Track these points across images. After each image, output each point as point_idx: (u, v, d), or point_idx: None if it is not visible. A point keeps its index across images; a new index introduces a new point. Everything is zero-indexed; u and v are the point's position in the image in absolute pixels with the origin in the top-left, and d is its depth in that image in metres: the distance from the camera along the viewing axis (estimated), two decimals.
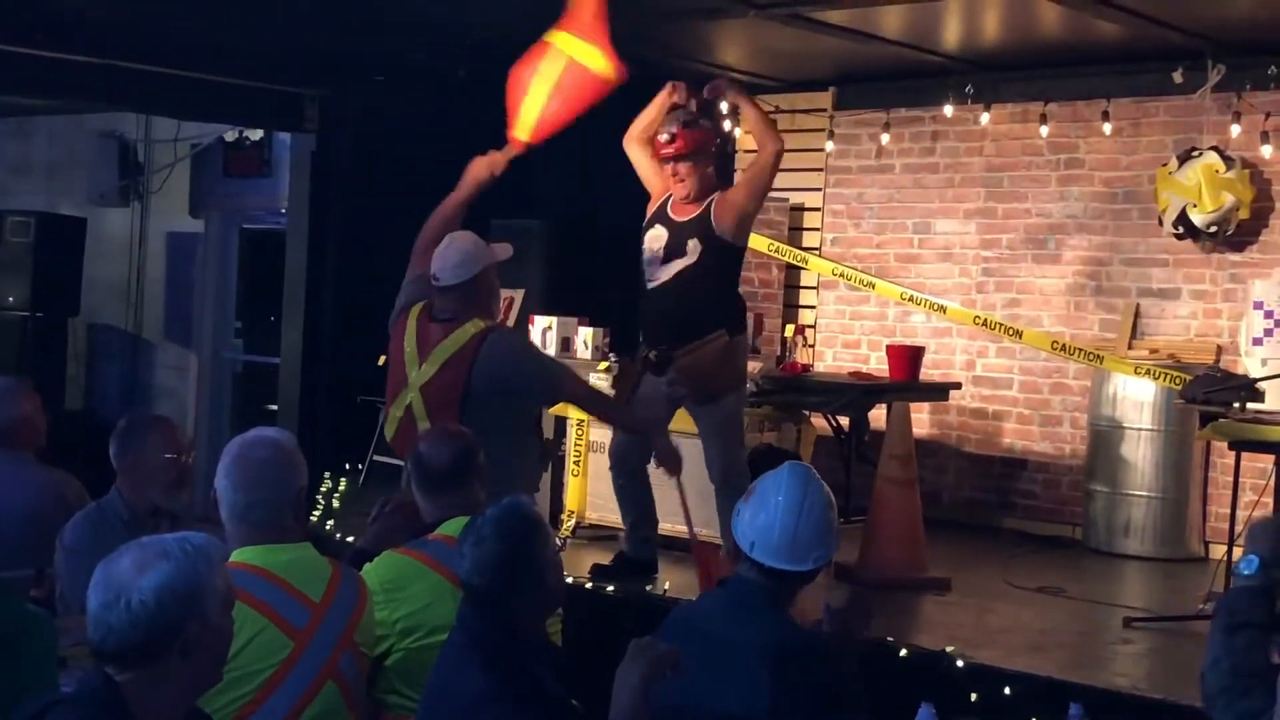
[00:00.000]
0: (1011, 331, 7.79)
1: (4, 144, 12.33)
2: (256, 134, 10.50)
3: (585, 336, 7.30)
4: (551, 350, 7.39)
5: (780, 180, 9.16)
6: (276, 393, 9.46)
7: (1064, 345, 7.64)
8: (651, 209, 6.20)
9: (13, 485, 4.86)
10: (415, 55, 8.24)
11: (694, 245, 5.95)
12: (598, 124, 6.57)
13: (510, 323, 7.99)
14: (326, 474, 7.57)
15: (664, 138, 6.03)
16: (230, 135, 10.65)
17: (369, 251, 8.76)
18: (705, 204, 6.00)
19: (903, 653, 5.25)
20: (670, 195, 6.12)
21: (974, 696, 5.06)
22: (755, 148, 6.12)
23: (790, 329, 8.73)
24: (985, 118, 8.31)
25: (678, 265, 6.01)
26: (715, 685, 3.24)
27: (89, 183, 11.41)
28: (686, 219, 6.01)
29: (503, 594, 2.95)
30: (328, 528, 6.84)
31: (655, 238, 6.10)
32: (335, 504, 7.41)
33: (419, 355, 4.98)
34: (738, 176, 9.11)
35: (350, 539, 5.87)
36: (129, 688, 2.43)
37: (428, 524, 3.90)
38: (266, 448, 3.53)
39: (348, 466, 7.77)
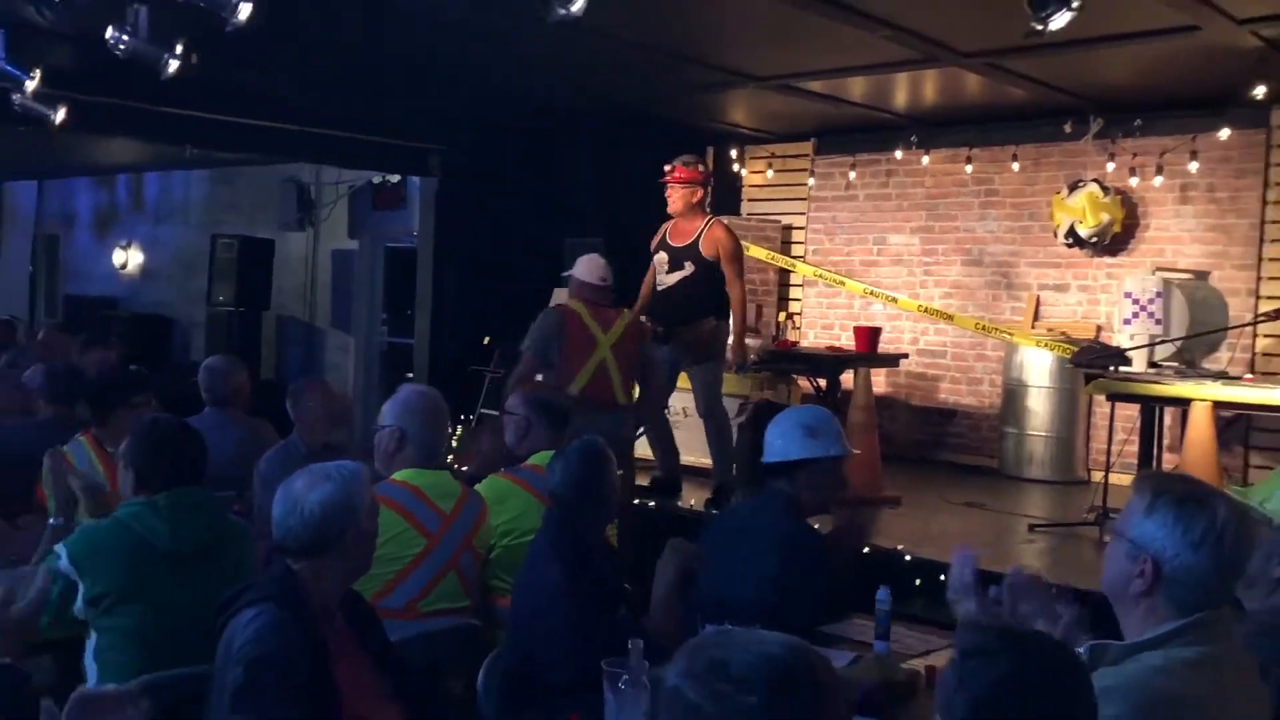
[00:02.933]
0: (945, 316, 7.74)
1: (217, 187, 12.44)
2: (395, 178, 10.53)
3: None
4: None
5: (774, 207, 9.19)
6: (411, 365, 9.51)
7: (984, 326, 7.57)
8: (656, 240, 6.34)
9: (225, 431, 4.91)
10: (510, 118, 8.25)
11: (689, 264, 6.09)
12: (644, 168, 6.58)
13: None
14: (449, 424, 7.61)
15: (667, 168, 6.08)
16: (377, 178, 10.69)
17: (475, 263, 8.83)
18: (696, 236, 6.09)
19: (865, 550, 5.24)
20: (666, 229, 6.25)
21: (918, 582, 5.05)
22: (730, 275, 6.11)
23: (782, 315, 8.69)
24: (926, 159, 8.24)
25: (679, 275, 6.16)
26: (739, 573, 3.21)
27: (276, 214, 11.49)
28: (681, 245, 6.14)
29: (576, 505, 2.96)
30: (448, 460, 6.87)
31: (661, 260, 6.26)
32: (454, 444, 7.44)
33: (602, 328, 5.41)
34: (741, 220, 9.13)
35: (464, 469, 5.91)
36: (302, 574, 2.46)
37: (522, 455, 3.92)
38: (434, 399, 3.57)
39: (461, 418, 7.79)
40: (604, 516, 3.08)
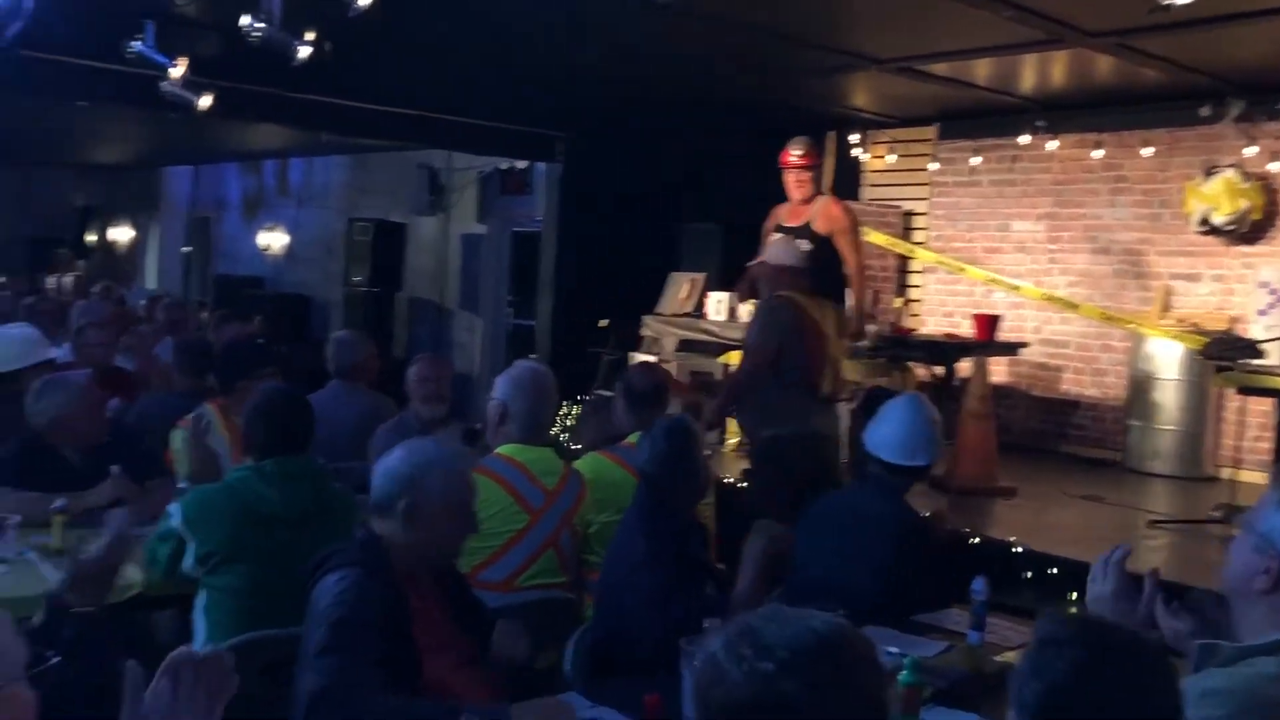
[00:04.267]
0: (1070, 305, 7.43)
1: (355, 172, 12.77)
2: (522, 164, 10.63)
3: (745, 308, 7.19)
4: (721, 316, 7.32)
5: (895, 193, 8.95)
6: (534, 345, 9.61)
7: (1110, 315, 7.25)
8: (770, 222, 6.07)
9: (349, 404, 5.03)
10: (630, 105, 8.23)
11: (804, 241, 5.79)
12: (761, 152, 6.48)
13: (694, 297, 7.96)
14: (565, 402, 7.66)
15: (798, 151, 5.87)
16: (504, 165, 10.81)
17: (597, 247, 8.86)
18: (810, 215, 5.83)
19: (975, 540, 5.07)
20: (780, 212, 5.98)
21: (1028, 575, 4.85)
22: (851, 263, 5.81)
23: (899, 302, 8.47)
24: (1053, 144, 7.89)
25: None
26: (847, 558, 3.13)
27: (409, 199, 11.74)
28: (796, 225, 5.89)
29: (665, 481, 2.92)
30: (563, 439, 6.91)
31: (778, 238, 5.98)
32: (569, 422, 7.48)
33: (821, 317, 4.99)
34: (862, 194, 8.94)
35: (577, 446, 5.93)
36: (387, 539, 2.47)
37: (623, 433, 3.91)
38: (545, 376, 3.58)
39: (578, 397, 7.83)
40: (692, 494, 3.04)
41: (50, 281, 11.28)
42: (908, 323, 8.23)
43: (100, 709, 1.58)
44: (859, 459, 4.06)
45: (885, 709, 1.32)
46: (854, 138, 8.82)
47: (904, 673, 2.20)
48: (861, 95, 8.02)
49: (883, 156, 8.90)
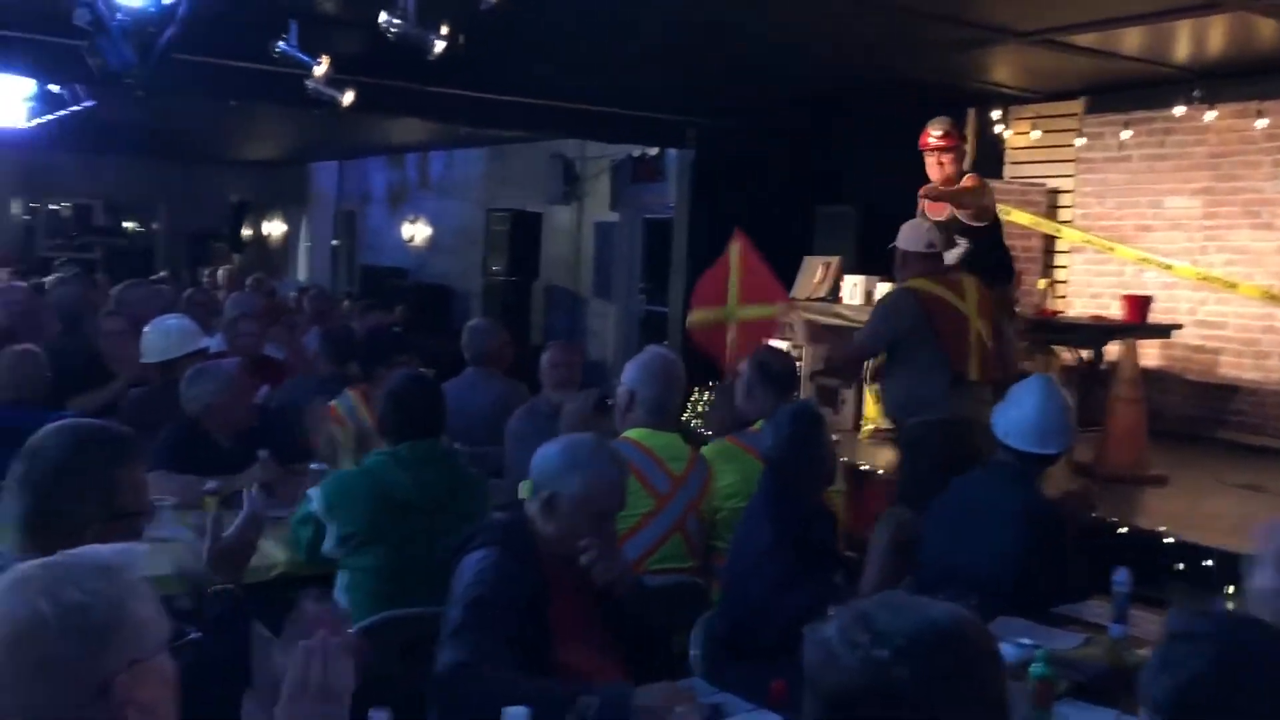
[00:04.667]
0: (1228, 284, 7.04)
1: (492, 164, 13.01)
2: (654, 151, 10.65)
3: (880, 289, 7.05)
4: (857, 300, 7.19)
5: (1039, 170, 8.62)
6: (666, 331, 9.63)
7: (1274, 295, 6.84)
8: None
9: (484, 390, 5.15)
10: (761, 89, 8.15)
11: (960, 238, 5.54)
12: (898, 132, 6.33)
13: (829, 281, 7.84)
14: (695, 387, 7.65)
15: (938, 132, 5.67)
16: (636, 152, 10.85)
17: (729, 232, 8.77)
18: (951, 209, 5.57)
19: (1123, 530, 4.86)
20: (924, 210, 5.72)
21: (1180, 567, 4.63)
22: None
23: (1043, 283, 8.16)
24: (1209, 116, 7.47)
25: (957, 252, 5.59)
26: (975, 545, 3.05)
27: (545, 189, 11.89)
28: (945, 219, 5.64)
29: (790, 467, 2.89)
30: (692, 424, 6.91)
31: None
32: (698, 408, 7.48)
33: (958, 296, 4.83)
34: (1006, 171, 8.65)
35: (706, 432, 5.93)
36: (533, 522, 2.51)
37: (752, 418, 3.88)
38: (673, 362, 3.60)
39: (709, 382, 7.81)
40: (817, 480, 3.00)
41: (205, 274, 11.84)
42: (1053, 305, 7.93)
43: (239, 684, 1.65)
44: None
45: (1004, 707, 1.27)
46: (995, 114, 8.54)
47: (1036, 665, 2.12)
48: (1002, 70, 7.75)
49: (1026, 133, 8.59)
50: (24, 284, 7.69)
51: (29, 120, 8.18)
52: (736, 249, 6.00)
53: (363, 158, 15.47)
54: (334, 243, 16.53)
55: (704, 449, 3.71)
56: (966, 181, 5.64)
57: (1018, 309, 6.70)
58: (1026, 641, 2.43)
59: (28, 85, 7.47)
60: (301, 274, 17.01)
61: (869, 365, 6.08)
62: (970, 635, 1.26)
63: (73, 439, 2.16)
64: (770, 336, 5.57)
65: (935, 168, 5.66)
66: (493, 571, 2.40)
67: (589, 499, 2.49)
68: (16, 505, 2.13)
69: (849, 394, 7.24)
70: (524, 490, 3.53)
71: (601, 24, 6.66)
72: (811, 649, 1.31)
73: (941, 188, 5.54)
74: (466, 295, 13.17)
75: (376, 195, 15.52)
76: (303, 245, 17.67)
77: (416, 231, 14.37)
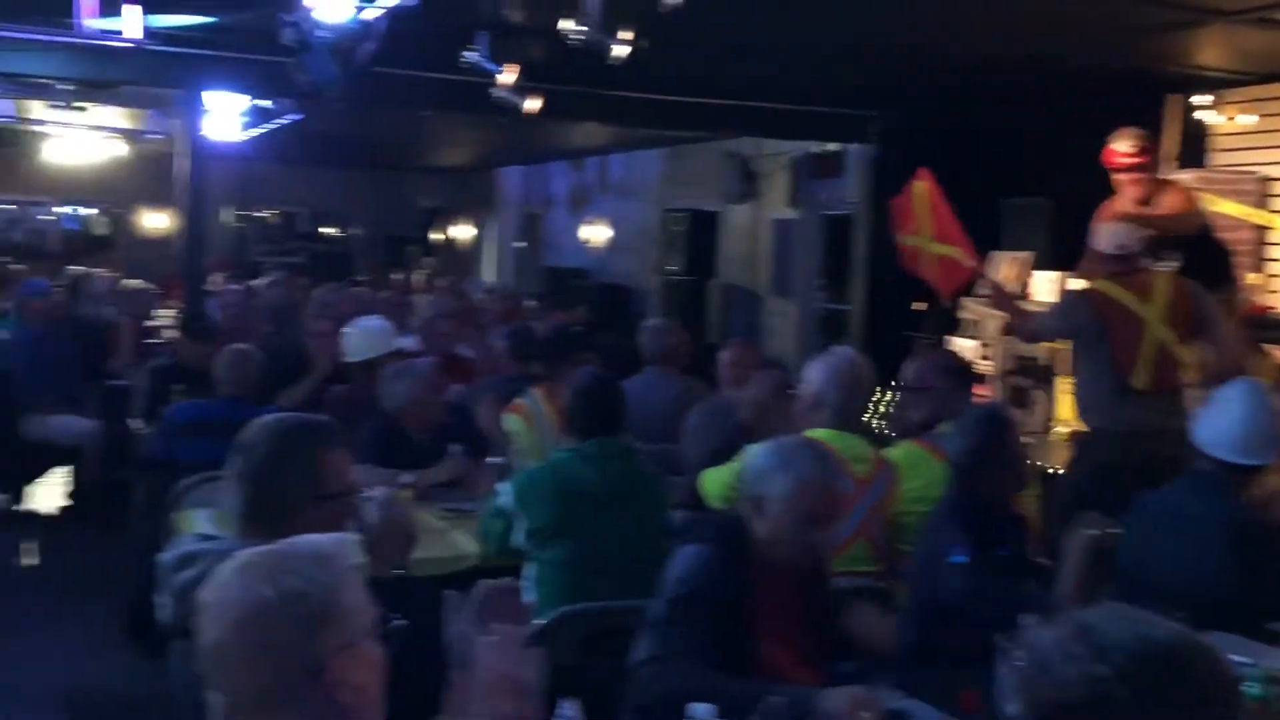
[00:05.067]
0: None
1: (669, 165, 13.12)
2: (833, 146, 10.50)
3: (1075, 286, 6.73)
4: (1049, 298, 6.89)
5: (1250, 157, 8.07)
6: (847, 329, 9.49)
7: None
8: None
9: (662, 388, 5.21)
10: (945, 80, 7.93)
11: (1169, 254, 5.20)
12: (1092, 121, 6.05)
13: (1019, 278, 7.55)
14: (879, 388, 7.49)
15: (1128, 148, 5.31)
16: (815, 148, 10.73)
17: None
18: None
19: None
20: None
21: None
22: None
23: (1255, 277, 7.62)
24: None
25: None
26: (1178, 558, 2.91)
27: (721, 188, 11.90)
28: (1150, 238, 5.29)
29: (978, 472, 2.81)
30: (874, 426, 6.78)
31: None
32: (881, 409, 7.32)
33: (1140, 298, 4.60)
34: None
35: (891, 434, 5.79)
36: (751, 524, 2.52)
37: (937, 420, 3.78)
38: (855, 363, 3.57)
39: (892, 383, 7.64)
40: (1007, 484, 2.90)
41: (397, 277, 12.37)
42: (1265, 301, 7.40)
43: (430, 673, 1.72)
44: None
45: None
46: (1199, 99, 8.04)
47: (1251, 685, 2.00)
48: (1207, 52, 7.29)
49: (1233, 118, 8.05)
50: (238, 287, 8.24)
51: (243, 133, 8.75)
52: (923, 187, 5.77)
53: (546, 162, 15.86)
54: (518, 245, 17.01)
55: (889, 451, 3.64)
56: (1173, 203, 5.28)
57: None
58: (1240, 659, 2.29)
59: (243, 101, 8.00)
60: (488, 276, 17.58)
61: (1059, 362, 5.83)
62: (1201, 657, 1.20)
63: (278, 430, 2.32)
64: (965, 278, 5.36)
65: (1128, 188, 5.29)
66: (700, 568, 2.42)
67: (796, 500, 2.46)
68: (235, 497, 2.30)
69: (1041, 393, 6.96)
70: (704, 485, 3.56)
71: (781, 20, 6.61)
72: (1024, 657, 1.26)
73: (1141, 213, 5.22)
74: (644, 294, 13.32)
75: (559, 198, 15.89)
76: (489, 248, 18.26)
77: (596, 233, 14.63)
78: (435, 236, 18.41)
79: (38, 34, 5.96)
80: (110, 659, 4.79)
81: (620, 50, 5.37)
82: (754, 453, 2.55)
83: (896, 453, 3.66)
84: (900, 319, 8.35)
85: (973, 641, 2.35)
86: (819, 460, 2.51)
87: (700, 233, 11.63)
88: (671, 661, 2.25)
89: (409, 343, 5.88)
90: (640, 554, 3.21)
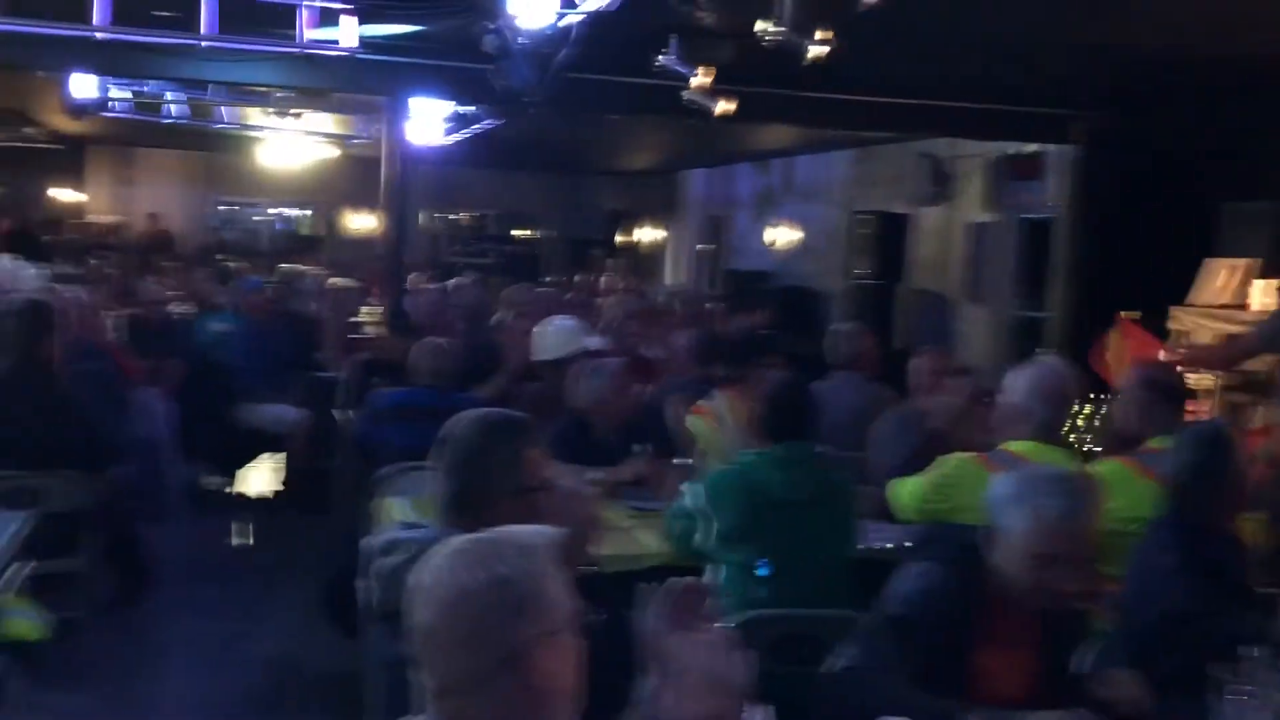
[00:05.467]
0: None
1: (857, 166, 12.93)
2: (1032, 147, 10.12)
3: None
4: (1270, 307, 6.45)
5: None
6: (1043, 338, 9.13)
7: None
8: None
9: (849, 394, 5.14)
10: (1158, 76, 7.52)
11: None
12: None
13: (1236, 286, 7.09)
14: (1079, 400, 7.17)
15: None
16: (1013, 149, 10.36)
17: (1118, 232, 8.20)
18: None
19: None
20: None
21: None
22: None
23: None
24: None
25: None
26: None
27: (912, 190, 11.64)
28: None
29: (1195, 494, 2.65)
30: (1074, 441, 6.48)
31: None
32: (1079, 423, 6.99)
33: None
34: None
35: (1094, 449, 5.53)
36: (989, 552, 2.38)
37: (1142, 435, 3.59)
38: (1059, 374, 3.44)
39: (1092, 395, 7.31)
40: (1227, 505, 2.72)
41: (581, 278, 12.62)
42: None
43: (629, 670, 1.75)
44: None
45: None
46: None
47: None
48: None
49: None
50: (434, 286, 8.59)
51: (442, 138, 9.13)
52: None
53: (730, 165, 15.88)
54: (702, 248, 17.09)
55: (1093, 467, 3.48)
56: None
57: None
58: None
59: (444, 108, 8.34)
60: (671, 278, 17.73)
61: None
62: None
63: (483, 425, 2.42)
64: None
65: None
66: (922, 594, 2.34)
67: (1029, 538, 2.30)
68: (440, 486, 2.41)
69: (1261, 410, 6.51)
70: (893, 496, 3.49)
71: (981, 17, 6.42)
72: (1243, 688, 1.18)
73: None
74: (829, 298, 13.16)
75: (743, 201, 15.88)
76: (673, 250, 18.42)
77: (780, 235, 14.54)
78: (620, 239, 18.71)
79: (262, 45, 6.37)
80: (312, 637, 5.06)
81: (817, 50, 5.32)
82: (999, 479, 2.43)
83: (1101, 469, 3.49)
84: (1104, 328, 7.97)
85: (1186, 672, 2.22)
86: (1066, 496, 2.32)
87: (889, 236, 11.41)
88: (869, 673, 2.21)
89: (597, 342, 5.99)
90: (827, 561, 3.18)
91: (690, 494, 3.22)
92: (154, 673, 4.84)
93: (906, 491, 3.41)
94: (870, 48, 6.64)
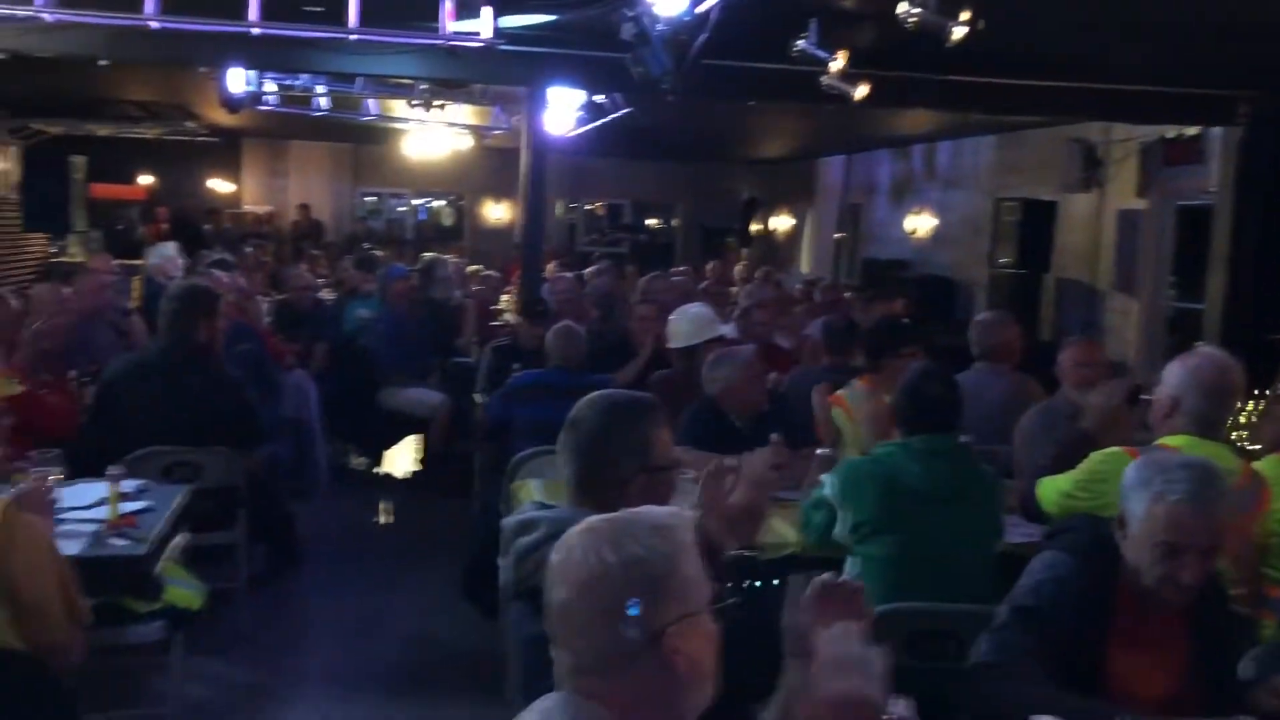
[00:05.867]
0: None
1: (1002, 152, 12.56)
2: (1192, 130, 9.64)
3: None
4: None
5: None
6: (1200, 330, 8.70)
7: None
8: None
9: (993, 386, 5.01)
10: None
11: None
12: None
13: None
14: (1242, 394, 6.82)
15: None
16: (1171, 133, 9.89)
17: None
18: None
19: None
20: None
21: None
22: None
23: None
24: None
25: None
26: None
27: (1060, 175, 11.23)
28: None
29: None
30: (1234, 436, 6.17)
31: None
32: (1242, 420, 6.65)
33: None
34: None
35: (1254, 447, 5.25)
36: (1121, 542, 2.35)
37: None
38: (1221, 367, 3.27)
39: (1255, 390, 6.93)
40: None
41: (711, 266, 12.59)
42: None
43: (766, 650, 1.74)
44: None
45: None
46: None
47: None
48: None
49: None
50: (569, 275, 8.70)
51: (576, 129, 9.21)
52: None
53: (869, 151, 15.62)
54: (837, 236, 16.86)
55: (1258, 464, 3.30)
56: None
57: None
58: None
59: (578, 97, 8.41)
60: (805, 267, 17.56)
61: None
62: None
63: (608, 405, 2.44)
64: None
65: None
66: (1053, 581, 2.31)
67: (1153, 525, 2.25)
68: (567, 468, 2.43)
69: None
70: (1040, 493, 3.38)
71: None
72: None
73: None
74: (970, 287, 12.82)
75: (881, 187, 15.61)
76: (807, 238, 18.23)
77: (920, 223, 14.23)
78: (753, 227, 18.60)
79: (405, 38, 6.54)
80: (451, 614, 5.21)
81: (959, 32, 5.19)
82: (1129, 464, 2.35)
83: (1265, 465, 3.31)
84: (1267, 319, 7.56)
85: None
86: (1192, 483, 2.23)
87: (1035, 223, 11.03)
88: (1008, 669, 2.15)
89: (730, 330, 5.98)
90: (967, 555, 3.10)
91: (827, 484, 3.18)
92: (301, 645, 5.05)
93: (1052, 489, 3.29)
94: (1016, 28, 6.43)
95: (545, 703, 1.59)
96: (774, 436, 4.05)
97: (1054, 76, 8.01)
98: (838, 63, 6.21)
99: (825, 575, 1.70)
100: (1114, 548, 2.26)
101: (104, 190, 14.19)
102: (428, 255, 10.38)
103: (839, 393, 4.43)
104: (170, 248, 8.87)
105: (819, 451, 3.87)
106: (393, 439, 7.91)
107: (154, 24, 5.75)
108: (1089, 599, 2.24)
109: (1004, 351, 5.17)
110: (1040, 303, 11.34)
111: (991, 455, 4.08)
